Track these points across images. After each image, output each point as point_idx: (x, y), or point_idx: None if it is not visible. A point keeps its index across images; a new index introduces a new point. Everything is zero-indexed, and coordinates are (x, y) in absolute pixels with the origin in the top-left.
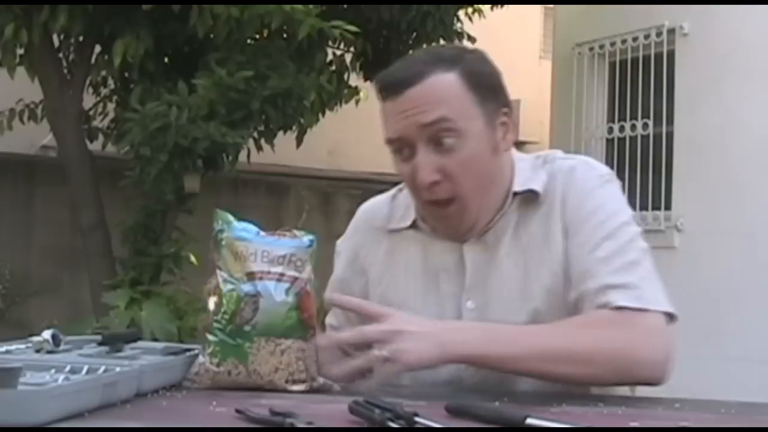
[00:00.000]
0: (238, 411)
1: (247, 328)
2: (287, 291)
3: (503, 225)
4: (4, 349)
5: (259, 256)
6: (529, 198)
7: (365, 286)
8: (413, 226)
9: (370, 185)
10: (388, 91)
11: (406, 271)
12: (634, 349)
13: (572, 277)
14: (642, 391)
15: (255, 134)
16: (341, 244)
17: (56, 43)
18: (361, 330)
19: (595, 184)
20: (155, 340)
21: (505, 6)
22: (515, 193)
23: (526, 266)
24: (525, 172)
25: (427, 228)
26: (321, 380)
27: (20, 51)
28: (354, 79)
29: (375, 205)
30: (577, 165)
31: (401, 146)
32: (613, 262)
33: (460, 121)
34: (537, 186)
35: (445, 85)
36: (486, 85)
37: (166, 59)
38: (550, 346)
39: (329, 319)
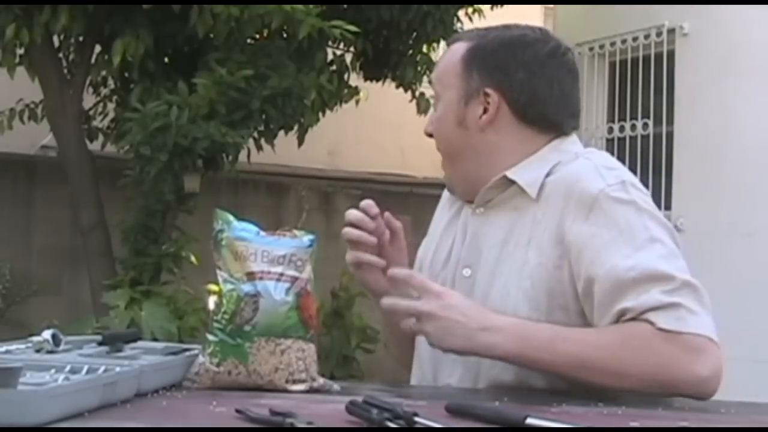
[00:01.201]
0: (238, 411)
1: (247, 328)
2: (287, 291)
3: (504, 206)
4: (4, 349)
5: (259, 256)
6: (526, 196)
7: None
8: None
9: (370, 185)
10: None
11: (444, 229)
12: (677, 367)
13: (597, 292)
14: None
15: (255, 134)
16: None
17: (56, 43)
18: (410, 303)
19: (598, 200)
20: (155, 340)
21: (505, 6)
22: (506, 178)
23: (503, 265)
24: (532, 164)
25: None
26: (321, 380)
27: (20, 51)
28: (354, 79)
29: None
30: (584, 174)
31: None
32: (655, 285)
33: (440, 87)
34: (519, 178)
35: (450, 53)
36: (484, 63)
37: (166, 59)
38: (587, 357)
39: None
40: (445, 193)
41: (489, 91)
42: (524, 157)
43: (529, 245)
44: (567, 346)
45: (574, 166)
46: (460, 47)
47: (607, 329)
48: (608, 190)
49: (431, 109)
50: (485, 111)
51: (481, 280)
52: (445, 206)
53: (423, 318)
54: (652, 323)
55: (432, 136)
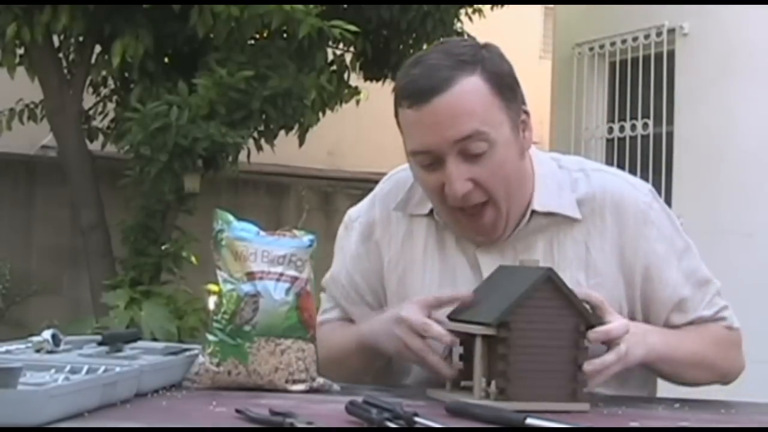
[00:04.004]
0: (238, 411)
1: (247, 328)
2: (287, 291)
3: (528, 239)
4: (4, 349)
5: (259, 256)
6: (560, 219)
7: (380, 265)
8: (430, 214)
9: (370, 185)
10: (413, 99)
11: (423, 258)
12: (739, 360)
13: (662, 305)
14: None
15: (255, 134)
16: (355, 214)
17: (56, 43)
18: (608, 329)
19: (646, 213)
20: (155, 340)
21: (505, 6)
22: (534, 212)
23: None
24: (548, 187)
25: (442, 223)
26: (321, 380)
27: (20, 51)
28: (354, 79)
29: (397, 183)
30: (623, 188)
31: (427, 158)
32: (707, 294)
33: (491, 131)
34: (566, 210)
35: (472, 93)
36: (507, 85)
37: (166, 59)
38: (700, 355)
39: (327, 305)
40: (366, 227)
41: (524, 107)
42: (530, 175)
43: (578, 267)
44: (690, 346)
45: (598, 182)
46: (472, 81)
47: (697, 330)
48: (648, 201)
49: (454, 168)
50: (526, 132)
51: None
52: (390, 226)
53: (628, 337)
54: (724, 323)
55: (469, 192)
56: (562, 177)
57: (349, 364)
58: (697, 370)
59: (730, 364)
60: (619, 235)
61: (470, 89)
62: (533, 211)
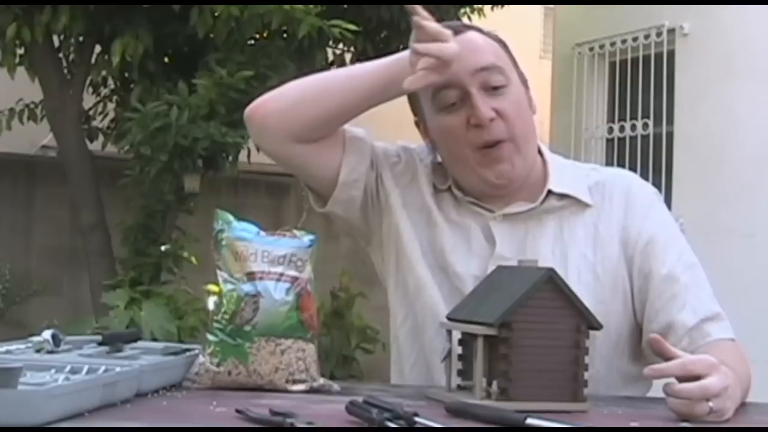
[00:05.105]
0: (238, 411)
1: (247, 328)
2: (287, 291)
3: (539, 217)
4: (4, 349)
5: (259, 256)
6: (574, 203)
7: (375, 180)
8: (449, 190)
9: None
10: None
11: (438, 220)
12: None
13: (654, 288)
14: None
15: None
16: (396, 144)
17: (56, 43)
18: (704, 385)
19: (653, 203)
20: (155, 340)
21: (505, 6)
22: (550, 191)
23: (566, 260)
24: (562, 173)
25: (460, 195)
26: (321, 380)
27: (20, 51)
28: None
29: (423, 149)
30: (632, 180)
31: (451, 94)
32: (702, 289)
33: (506, 69)
34: (580, 195)
35: (484, 39)
36: (512, 54)
37: (166, 59)
38: (745, 382)
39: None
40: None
41: (526, 81)
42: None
43: (585, 244)
44: (742, 380)
45: (611, 174)
46: (484, 37)
47: (722, 353)
48: (654, 198)
49: (479, 97)
50: (531, 100)
51: None
52: (413, 177)
53: (724, 393)
54: (724, 336)
55: (492, 121)
56: (575, 170)
57: (332, 91)
58: (744, 396)
59: (749, 380)
60: (625, 216)
61: (482, 37)
62: (549, 191)
